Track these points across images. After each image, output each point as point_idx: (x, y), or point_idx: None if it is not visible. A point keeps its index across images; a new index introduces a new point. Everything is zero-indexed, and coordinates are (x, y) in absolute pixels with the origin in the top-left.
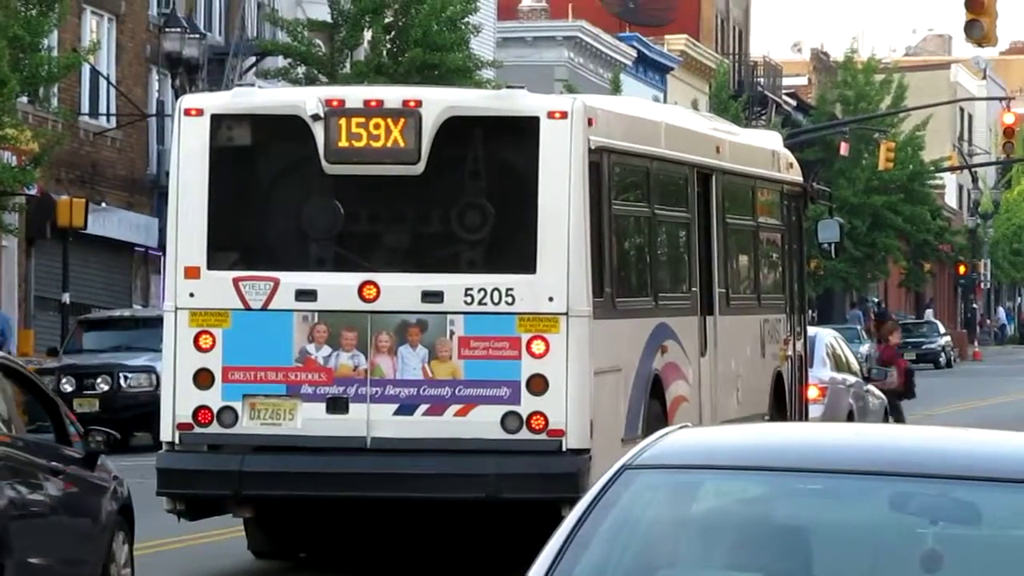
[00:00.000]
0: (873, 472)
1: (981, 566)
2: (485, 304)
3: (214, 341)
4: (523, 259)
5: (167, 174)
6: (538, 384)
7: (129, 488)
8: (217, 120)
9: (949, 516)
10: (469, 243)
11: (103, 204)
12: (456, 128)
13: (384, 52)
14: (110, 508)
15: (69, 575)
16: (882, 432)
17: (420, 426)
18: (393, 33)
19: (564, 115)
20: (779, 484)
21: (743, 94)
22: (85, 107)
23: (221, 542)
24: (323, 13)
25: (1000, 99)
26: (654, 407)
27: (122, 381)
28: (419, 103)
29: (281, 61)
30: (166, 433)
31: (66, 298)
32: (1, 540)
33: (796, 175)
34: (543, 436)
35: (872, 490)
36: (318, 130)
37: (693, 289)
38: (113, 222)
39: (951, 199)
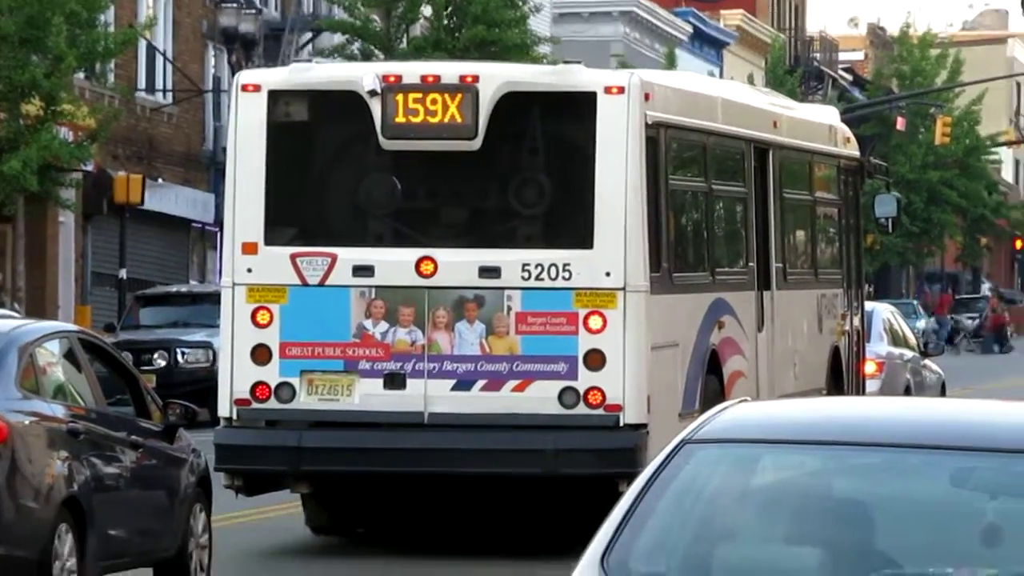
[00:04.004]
0: (932, 446)
1: None
2: (542, 279)
3: (271, 317)
4: (580, 234)
5: (224, 150)
6: (595, 359)
7: (207, 460)
8: (274, 96)
9: (1009, 490)
10: (526, 218)
11: (160, 180)
12: (513, 103)
13: (441, 28)
14: (188, 480)
15: (149, 546)
16: (941, 406)
17: (477, 401)
18: (450, 9)
19: (621, 90)
20: (838, 458)
21: (799, 69)
22: (142, 83)
23: (277, 518)
24: None
25: None
26: (711, 382)
27: (179, 357)
28: (476, 78)
29: (338, 37)
30: (224, 409)
31: (123, 274)
32: (83, 512)
33: (853, 150)
34: (600, 411)
35: (932, 464)
36: (375, 106)
37: (750, 264)
38: (170, 198)
39: (1007, 174)
